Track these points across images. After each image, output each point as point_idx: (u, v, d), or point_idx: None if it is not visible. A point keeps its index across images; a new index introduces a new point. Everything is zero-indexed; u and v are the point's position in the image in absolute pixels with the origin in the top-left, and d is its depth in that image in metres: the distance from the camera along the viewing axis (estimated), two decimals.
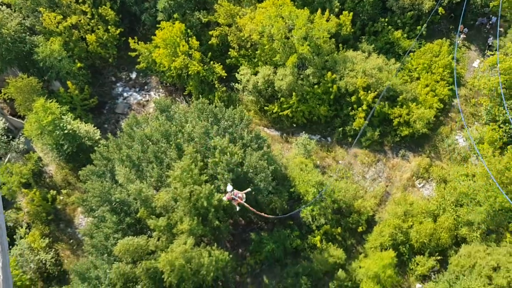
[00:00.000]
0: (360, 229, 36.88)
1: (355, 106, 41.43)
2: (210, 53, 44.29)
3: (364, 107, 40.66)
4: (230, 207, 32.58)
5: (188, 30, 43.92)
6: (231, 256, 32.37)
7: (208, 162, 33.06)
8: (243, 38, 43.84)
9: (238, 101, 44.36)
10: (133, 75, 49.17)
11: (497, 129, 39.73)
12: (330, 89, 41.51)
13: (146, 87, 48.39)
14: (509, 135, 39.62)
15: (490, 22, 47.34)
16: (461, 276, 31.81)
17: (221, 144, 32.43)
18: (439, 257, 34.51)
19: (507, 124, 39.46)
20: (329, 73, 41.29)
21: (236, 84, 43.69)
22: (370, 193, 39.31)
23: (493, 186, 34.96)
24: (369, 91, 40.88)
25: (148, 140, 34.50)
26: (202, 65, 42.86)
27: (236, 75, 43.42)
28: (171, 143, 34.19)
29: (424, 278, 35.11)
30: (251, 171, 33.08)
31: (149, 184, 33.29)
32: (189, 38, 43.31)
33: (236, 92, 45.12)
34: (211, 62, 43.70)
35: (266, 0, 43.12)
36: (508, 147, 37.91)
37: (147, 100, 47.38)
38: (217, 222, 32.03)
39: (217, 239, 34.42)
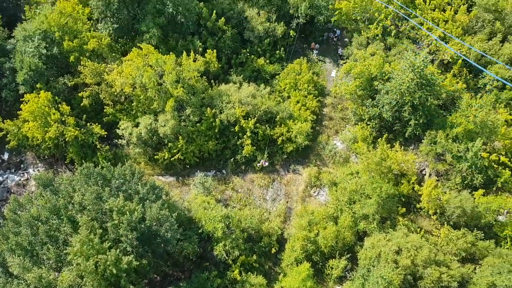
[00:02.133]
0: (273, 250, 38.22)
1: (240, 134, 43.27)
2: (84, 115, 43.02)
3: (248, 133, 42.69)
4: (141, 267, 31.63)
5: (56, 97, 42.18)
6: None
7: (107, 226, 31.79)
8: (115, 94, 43.39)
9: (126, 157, 43.44)
10: (5, 156, 45.50)
11: (365, 126, 44.45)
12: (213, 123, 42.90)
13: (22, 165, 45.02)
14: (376, 130, 44.59)
15: (336, 35, 53.17)
16: (371, 267, 34.58)
17: (117, 205, 31.51)
18: (348, 256, 37.07)
19: (372, 121, 44.40)
20: (208, 109, 42.70)
21: (119, 139, 42.83)
22: (273, 213, 41.04)
23: (376, 178, 39.05)
24: (249, 118, 43.08)
25: (36, 221, 32.09)
26: (78, 129, 41.39)
27: (117, 130, 42.62)
28: (62, 217, 32.24)
29: (341, 280, 37.37)
30: (154, 224, 32.55)
31: (49, 267, 30.89)
32: (59, 105, 41.60)
33: (121, 148, 44.20)
34: (88, 124, 42.42)
35: (130, 53, 43.44)
36: (378, 140, 42.56)
37: (27, 179, 44.06)
38: (131, 287, 30.83)
39: None
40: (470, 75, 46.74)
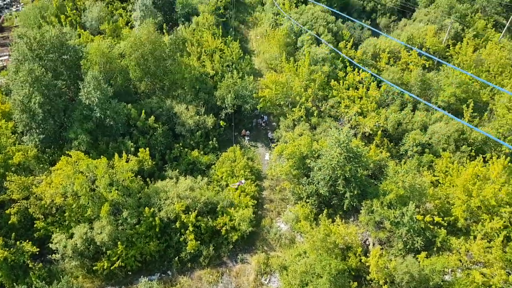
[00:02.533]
0: None
1: (182, 230, 42.18)
2: (13, 233, 40.03)
3: (191, 228, 41.76)
4: None
5: None
6: None
7: None
8: (46, 206, 41.26)
9: (61, 272, 40.26)
10: None
11: (305, 204, 45.36)
12: (153, 223, 41.61)
13: None
14: (316, 206, 45.59)
15: (264, 120, 55.67)
16: None
17: None
18: None
19: (310, 198, 45.50)
20: (146, 208, 41.63)
21: (53, 254, 39.97)
22: None
23: (324, 255, 39.19)
24: (190, 212, 42.43)
25: None
26: (7, 249, 38.24)
27: (50, 245, 39.89)
28: None
29: None
30: None
31: None
32: None
33: (56, 263, 41.05)
34: (17, 243, 39.38)
35: (59, 161, 42.24)
36: (320, 216, 43.41)
37: None
38: None
39: None
40: (391, 143, 50.29)
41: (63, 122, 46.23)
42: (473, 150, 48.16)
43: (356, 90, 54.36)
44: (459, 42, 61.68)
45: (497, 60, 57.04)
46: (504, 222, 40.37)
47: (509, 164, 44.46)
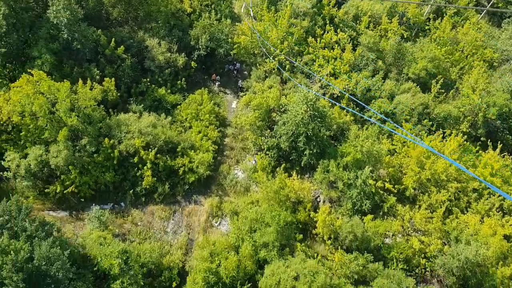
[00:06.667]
0: (174, 284, 37.24)
1: (140, 166, 42.22)
2: None
3: (149, 165, 41.85)
4: None
5: None
6: None
7: None
8: (1, 122, 40.01)
9: (11, 191, 39.89)
10: None
11: (264, 156, 46.08)
12: (112, 154, 41.39)
13: None
14: (275, 159, 46.43)
15: (236, 68, 54.99)
16: None
17: (0, 244, 28.77)
18: (249, 285, 37.44)
19: (271, 151, 46.20)
20: (106, 139, 41.21)
21: (5, 172, 39.32)
22: (175, 245, 40.26)
23: (275, 206, 40.44)
24: (150, 149, 42.34)
25: None
26: None
27: (3, 163, 39.14)
28: None
29: None
30: (44, 263, 30.13)
31: None
32: None
33: (6, 181, 40.54)
34: None
35: (20, 79, 40.63)
36: (277, 169, 44.36)
37: None
38: None
39: None
40: (357, 108, 51.08)
41: (27, 38, 44.02)
42: (434, 125, 49.71)
43: (331, 50, 54.21)
44: (440, 18, 61.93)
45: (472, 41, 57.90)
46: (449, 196, 42.61)
47: (465, 142, 46.39)
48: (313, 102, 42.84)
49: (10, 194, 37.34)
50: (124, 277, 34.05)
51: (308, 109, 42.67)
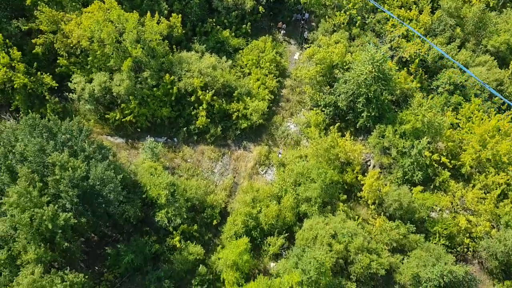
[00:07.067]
0: (215, 222, 38.65)
1: (196, 105, 42.87)
2: (35, 63, 40.83)
3: (204, 105, 42.39)
4: (79, 225, 31.19)
5: (7, 40, 39.86)
6: (86, 277, 31.00)
7: (48, 181, 30.92)
8: (71, 45, 41.55)
9: (75, 112, 42.01)
10: None
11: (320, 113, 45.24)
12: (170, 90, 42.22)
13: None
14: (330, 117, 45.52)
15: (304, 18, 53.21)
16: (306, 248, 35.76)
17: (60, 160, 30.66)
18: (286, 235, 38.13)
19: (327, 108, 45.23)
20: (167, 75, 41.91)
21: (70, 94, 41.30)
22: (220, 186, 41.33)
23: (323, 164, 40.09)
24: (207, 90, 42.69)
25: None
26: (28, 77, 39.45)
27: (69, 84, 41.04)
28: (0, 166, 31.05)
29: (276, 257, 38.40)
30: (98, 183, 31.99)
31: None
32: (9, 49, 39.40)
33: (71, 102, 42.64)
34: (38, 73, 40.49)
35: (92, 4, 41.63)
36: (331, 127, 43.52)
37: None
38: (66, 244, 30.37)
39: (69, 261, 32.56)
40: (426, 75, 48.42)
41: None
42: (506, 104, 46.39)
43: (408, 11, 50.93)
44: None
45: None
46: (508, 180, 40.34)
47: None
48: (379, 64, 40.98)
49: (73, 115, 39.38)
50: (170, 208, 35.62)
51: (373, 70, 40.91)
